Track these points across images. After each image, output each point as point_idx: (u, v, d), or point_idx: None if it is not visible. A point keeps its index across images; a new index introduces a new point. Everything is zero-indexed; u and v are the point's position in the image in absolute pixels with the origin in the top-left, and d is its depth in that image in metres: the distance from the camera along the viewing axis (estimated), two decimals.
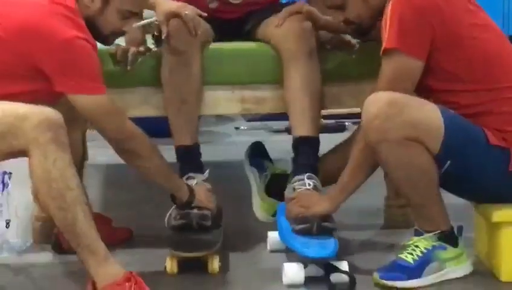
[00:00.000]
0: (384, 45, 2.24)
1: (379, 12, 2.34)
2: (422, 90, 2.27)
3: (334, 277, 2.20)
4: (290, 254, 2.35)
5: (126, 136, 2.28)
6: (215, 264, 2.35)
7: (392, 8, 2.23)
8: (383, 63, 2.27)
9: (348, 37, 2.65)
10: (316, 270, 2.23)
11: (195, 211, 2.44)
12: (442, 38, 2.23)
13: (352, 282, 2.18)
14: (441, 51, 2.24)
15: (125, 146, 2.29)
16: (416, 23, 2.21)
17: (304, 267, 2.23)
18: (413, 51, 2.22)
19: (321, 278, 2.22)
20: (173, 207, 2.49)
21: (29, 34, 2.13)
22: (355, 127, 2.78)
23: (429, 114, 2.18)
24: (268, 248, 2.55)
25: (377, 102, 2.17)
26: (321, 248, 2.24)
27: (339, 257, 2.27)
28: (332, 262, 2.23)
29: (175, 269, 2.34)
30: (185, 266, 2.34)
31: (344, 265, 2.23)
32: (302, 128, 2.50)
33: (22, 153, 2.05)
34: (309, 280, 2.22)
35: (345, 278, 2.19)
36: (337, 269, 2.21)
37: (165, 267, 2.35)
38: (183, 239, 2.42)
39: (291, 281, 2.23)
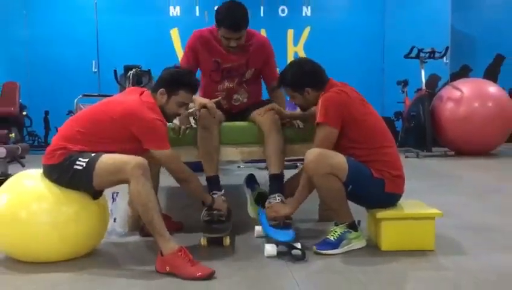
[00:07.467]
0: (316, 120, 2.24)
1: (313, 103, 2.35)
2: (337, 147, 2.25)
3: (294, 252, 2.15)
4: (268, 238, 2.31)
5: (180, 170, 2.25)
6: (227, 241, 2.33)
7: (321, 101, 2.25)
8: (316, 131, 2.26)
9: (298, 122, 2.65)
10: (283, 248, 2.19)
11: (215, 212, 2.43)
12: (347, 119, 2.23)
13: (303, 254, 2.12)
14: (346, 126, 2.23)
15: (179, 176, 2.27)
16: (333, 109, 2.21)
17: (276, 246, 2.18)
18: (333, 124, 2.21)
19: (286, 252, 2.17)
20: (204, 209, 2.46)
21: (129, 117, 2.11)
22: (301, 166, 2.70)
23: (340, 160, 2.16)
24: (255, 234, 2.48)
25: (312, 153, 2.17)
26: (285, 235, 2.22)
27: (295, 240, 2.22)
28: (292, 243, 2.18)
29: (205, 244, 2.31)
30: (210, 242, 2.31)
31: (298, 245, 2.18)
32: (274, 169, 2.49)
33: (125, 181, 2.03)
34: (279, 253, 2.17)
35: (299, 252, 2.14)
36: (295, 247, 2.16)
37: (200, 243, 2.32)
38: (210, 227, 2.39)
39: (269, 254, 2.17)
